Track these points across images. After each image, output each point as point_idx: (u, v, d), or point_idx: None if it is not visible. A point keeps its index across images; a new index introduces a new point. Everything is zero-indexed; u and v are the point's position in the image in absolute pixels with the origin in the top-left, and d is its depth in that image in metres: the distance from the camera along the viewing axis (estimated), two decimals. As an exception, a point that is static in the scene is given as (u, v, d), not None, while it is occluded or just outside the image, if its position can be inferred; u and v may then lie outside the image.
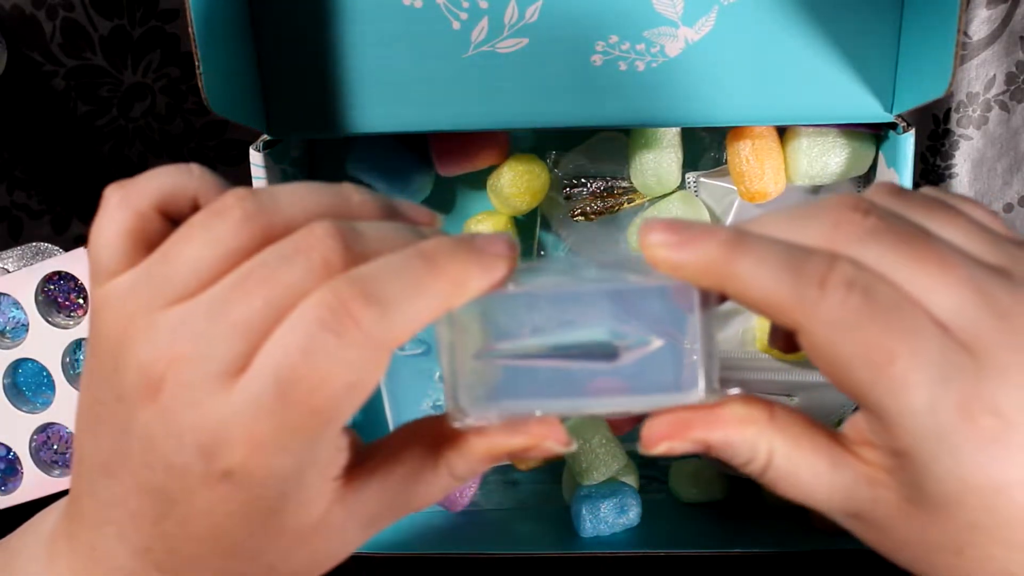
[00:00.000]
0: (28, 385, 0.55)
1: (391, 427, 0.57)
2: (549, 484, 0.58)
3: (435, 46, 0.45)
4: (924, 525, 0.23)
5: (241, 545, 0.24)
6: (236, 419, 0.22)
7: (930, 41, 0.41)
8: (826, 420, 0.52)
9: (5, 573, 0.27)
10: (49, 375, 0.54)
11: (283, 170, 0.49)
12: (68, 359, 0.54)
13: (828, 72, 0.45)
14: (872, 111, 0.45)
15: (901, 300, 0.22)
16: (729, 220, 0.51)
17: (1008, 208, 0.53)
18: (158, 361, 0.22)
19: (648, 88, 0.45)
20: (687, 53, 0.45)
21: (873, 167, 0.49)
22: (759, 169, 0.48)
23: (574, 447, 0.27)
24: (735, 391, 0.26)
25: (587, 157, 0.52)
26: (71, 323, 0.54)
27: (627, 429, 0.54)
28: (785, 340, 0.26)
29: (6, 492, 0.54)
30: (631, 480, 0.54)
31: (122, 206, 0.24)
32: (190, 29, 0.39)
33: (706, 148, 0.52)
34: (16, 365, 0.54)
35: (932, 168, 0.53)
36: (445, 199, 0.54)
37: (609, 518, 0.51)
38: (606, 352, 0.25)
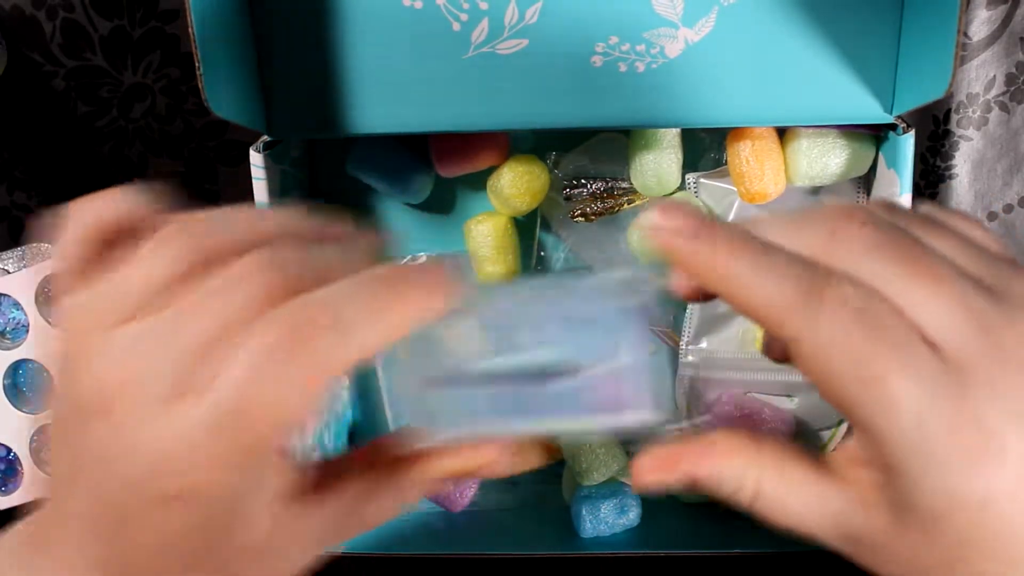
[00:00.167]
0: (28, 385, 0.55)
1: (391, 427, 0.57)
2: (549, 484, 0.58)
3: (435, 47, 0.45)
4: (915, 543, 0.23)
5: (199, 560, 0.24)
6: (183, 441, 0.22)
7: (930, 41, 0.41)
8: (825, 421, 0.52)
9: None
10: (50, 376, 0.54)
11: (283, 170, 0.49)
12: (68, 359, 0.54)
13: (828, 72, 0.45)
14: (872, 112, 0.45)
15: (893, 317, 0.22)
16: (729, 220, 0.51)
17: (1008, 208, 0.53)
18: (110, 378, 0.23)
19: (648, 89, 0.45)
20: (687, 54, 0.45)
21: (873, 168, 0.49)
22: (759, 170, 0.48)
23: (520, 469, 0.28)
24: (705, 418, 0.27)
25: (587, 158, 0.52)
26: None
27: (627, 429, 0.54)
28: (780, 350, 0.27)
29: (6, 492, 0.54)
30: (631, 480, 0.54)
31: (77, 224, 0.24)
32: (190, 30, 0.39)
33: (706, 149, 0.52)
34: (16, 365, 0.54)
35: (932, 169, 0.53)
36: (445, 199, 0.54)
37: (609, 518, 0.51)
38: (556, 373, 0.25)
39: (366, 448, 0.28)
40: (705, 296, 0.26)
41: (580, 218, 0.52)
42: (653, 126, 0.48)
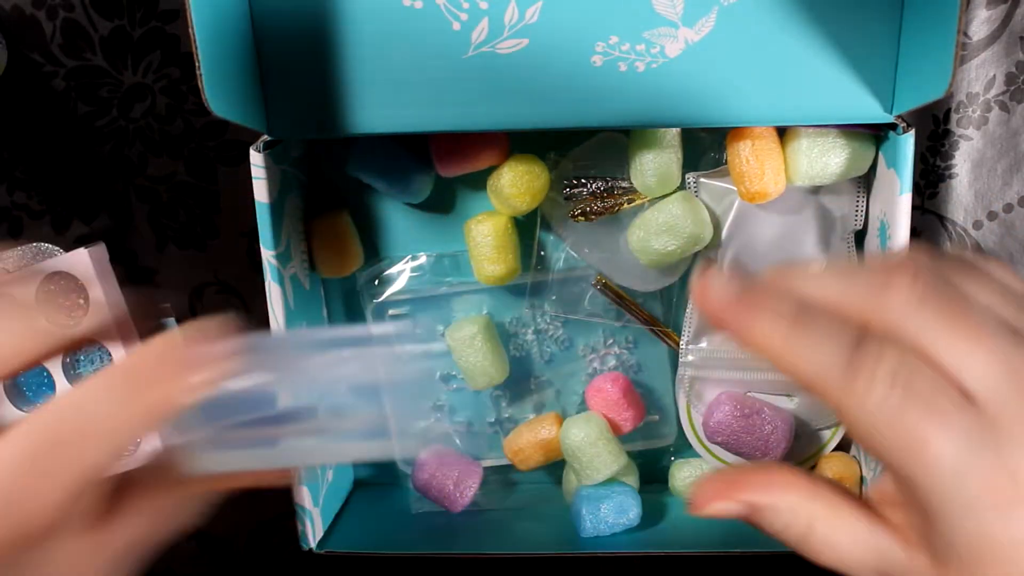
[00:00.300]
0: (28, 385, 0.55)
1: (391, 427, 0.57)
2: (549, 484, 0.58)
3: (435, 47, 0.45)
4: None
5: None
6: None
7: (930, 41, 0.41)
8: (825, 421, 0.53)
9: None
10: (49, 375, 0.54)
11: (283, 170, 0.49)
12: (68, 359, 0.54)
13: (828, 72, 0.45)
14: (872, 111, 0.45)
15: (932, 382, 0.24)
16: (729, 220, 0.51)
17: (1008, 208, 0.53)
18: None
19: (648, 89, 0.45)
20: (687, 54, 0.45)
21: (873, 167, 0.49)
22: (759, 169, 0.48)
23: (285, 482, 0.34)
24: (437, 446, 0.31)
25: (587, 157, 0.52)
26: (71, 323, 0.54)
27: (628, 429, 0.54)
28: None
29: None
30: (631, 480, 0.54)
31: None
32: (190, 30, 0.39)
33: (706, 148, 0.52)
34: (16, 365, 0.54)
35: (932, 168, 0.53)
36: (445, 199, 0.54)
37: (609, 518, 0.51)
38: (305, 415, 0.30)
39: (139, 472, 0.31)
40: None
41: (580, 218, 0.52)
42: (653, 126, 0.48)
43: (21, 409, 0.54)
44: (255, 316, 0.57)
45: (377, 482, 0.59)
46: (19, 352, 0.28)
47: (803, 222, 0.51)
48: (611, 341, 0.55)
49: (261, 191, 0.46)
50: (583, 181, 0.52)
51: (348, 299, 0.56)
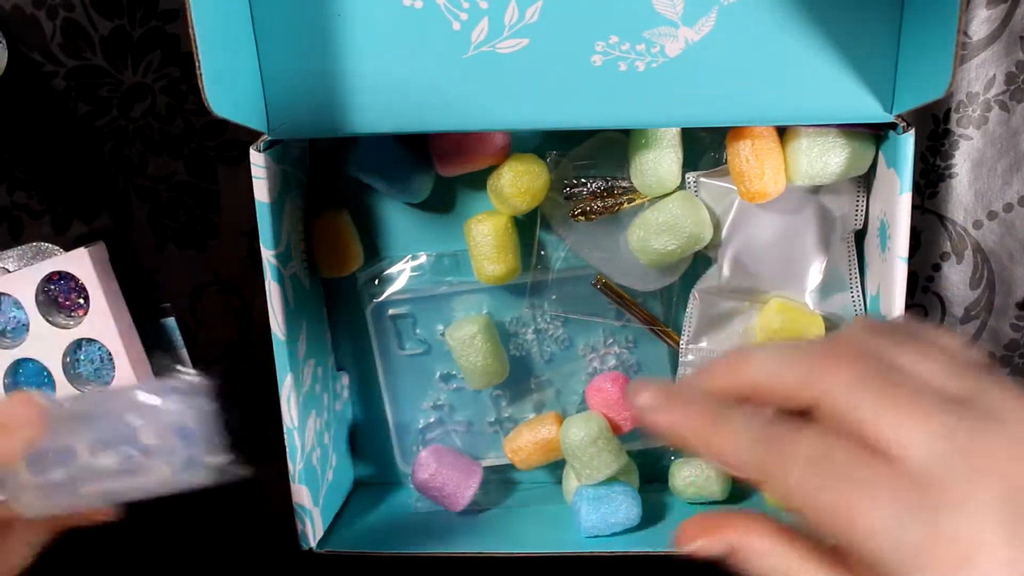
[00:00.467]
0: (28, 385, 0.55)
1: (391, 427, 0.57)
2: (549, 484, 0.58)
3: (435, 46, 0.45)
4: None
5: None
6: None
7: (930, 41, 0.41)
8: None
9: None
10: (49, 375, 0.54)
11: (283, 170, 0.49)
12: (68, 359, 0.54)
13: (828, 72, 0.45)
14: (872, 111, 0.45)
15: (858, 459, 0.25)
16: (729, 220, 0.51)
17: (1008, 208, 0.53)
18: None
19: (648, 88, 0.45)
20: (687, 53, 0.45)
21: (873, 167, 0.49)
22: (759, 169, 0.48)
23: (107, 519, 0.40)
24: (245, 472, 0.38)
25: (587, 157, 0.52)
26: (71, 323, 0.54)
27: (628, 429, 0.54)
28: None
29: (6, 492, 0.54)
30: (631, 480, 0.54)
31: None
32: (190, 29, 0.39)
33: (706, 148, 0.52)
34: (16, 365, 0.54)
35: (932, 168, 0.53)
36: (445, 199, 0.54)
37: (609, 518, 0.51)
38: (102, 463, 0.38)
39: None
40: None
41: (580, 217, 0.52)
42: (653, 125, 0.48)
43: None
44: (255, 316, 0.57)
45: (377, 482, 0.59)
46: None
47: (803, 222, 0.51)
48: (611, 341, 0.55)
49: (261, 191, 0.46)
50: (583, 181, 0.52)
51: (348, 299, 0.56)
